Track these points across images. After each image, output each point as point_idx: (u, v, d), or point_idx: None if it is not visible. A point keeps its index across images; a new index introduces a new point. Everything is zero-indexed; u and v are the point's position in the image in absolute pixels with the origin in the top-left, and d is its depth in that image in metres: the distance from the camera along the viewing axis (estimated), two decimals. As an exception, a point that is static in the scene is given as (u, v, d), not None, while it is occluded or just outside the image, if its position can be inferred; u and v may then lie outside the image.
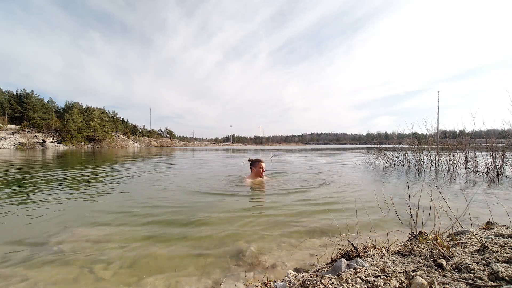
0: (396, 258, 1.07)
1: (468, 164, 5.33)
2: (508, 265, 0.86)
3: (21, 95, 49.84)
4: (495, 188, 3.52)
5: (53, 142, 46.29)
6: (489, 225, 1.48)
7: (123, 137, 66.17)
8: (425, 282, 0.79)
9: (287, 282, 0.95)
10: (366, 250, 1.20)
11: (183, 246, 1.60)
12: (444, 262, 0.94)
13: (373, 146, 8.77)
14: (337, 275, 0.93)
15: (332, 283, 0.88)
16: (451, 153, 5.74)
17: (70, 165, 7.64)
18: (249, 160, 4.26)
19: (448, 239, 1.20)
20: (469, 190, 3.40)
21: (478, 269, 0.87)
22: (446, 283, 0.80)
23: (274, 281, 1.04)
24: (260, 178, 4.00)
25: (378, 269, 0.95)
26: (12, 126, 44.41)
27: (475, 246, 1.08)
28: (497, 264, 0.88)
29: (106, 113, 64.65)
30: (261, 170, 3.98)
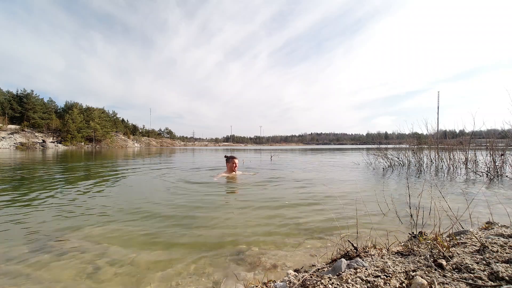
0: (396, 258, 1.07)
1: (468, 164, 5.33)
2: (508, 265, 0.86)
3: (21, 95, 49.83)
4: (495, 188, 3.52)
5: (53, 142, 46.28)
6: (489, 225, 1.48)
7: (123, 137, 66.16)
8: (425, 282, 0.79)
9: (287, 282, 0.95)
10: (366, 250, 1.20)
11: (183, 246, 1.60)
12: (444, 262, 0.94)
13: (373, 146, 8.77)
14: (337, 275, 0.93)
15: (332, 283, 0.88)
16: (451, 153, 5.74)
17: (70, 165, 7.64)
18: (225, 157, 4.88)
19: (448, 239, 1.20)
20: (469, 190, 3.40)
21: (478, 269, 0.87)
22: (446, 283, 0.80)
23: (274, 281, 1.04)
24: (234, 173, 4.66)
25: (378, 269, 0.95)
26: (12, 126, 44.40)
27: (475, 246, 1.08)
28: (497, 264, 0.88)
29: (106, 113, 64.66)
30: (234, 165, 4.65)
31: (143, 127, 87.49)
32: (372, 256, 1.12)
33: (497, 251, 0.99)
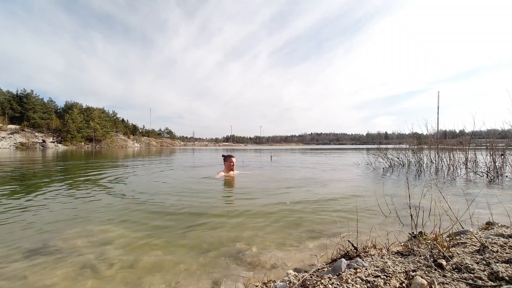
0: (396, 258, 1.07)
1: (468, 164, 5.33)
2: (508, 265, 0.86)
3: (21, 95, 49.84)
4: (495, 188, 3.52)
5: (53, 142, 46.28)
6: (489, 225, 1.48)
7: (123, 137, 66.17)
8: (425, 282, 0.79)
9: (287, 282, 0.95)
10: (366, 250, 1.20)
11: (183, 246, 1.60)
12: (444, 262, 0.94)
13: (373, 146, 8.77)
14: (337, 275, 0.93)
15: (332, 283, 0.88)
16: (451, 153, 5.74)
17: (70, 165, 7.64)
18: (222, 156, 4.92)
19: (448, 239, 1.20)
20: (469, 190, 3.40)
21: (478, 269, 0.87)
22: (446, 283, 0.80)
23: (274, 281, 1.04)
24: (232, 172, 4.69)
25: (378, 269, 0.95)
26: (12, 126, 44.40)
27: (475, 246, 1.08)
28: (497, 264, 0.88)
29: (106, 113, 64.70)
30: (232, 164, 4.67)
31: (143, 127, 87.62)
32: (372, 256, 1.12)
33: (497, 251, 0.99)
